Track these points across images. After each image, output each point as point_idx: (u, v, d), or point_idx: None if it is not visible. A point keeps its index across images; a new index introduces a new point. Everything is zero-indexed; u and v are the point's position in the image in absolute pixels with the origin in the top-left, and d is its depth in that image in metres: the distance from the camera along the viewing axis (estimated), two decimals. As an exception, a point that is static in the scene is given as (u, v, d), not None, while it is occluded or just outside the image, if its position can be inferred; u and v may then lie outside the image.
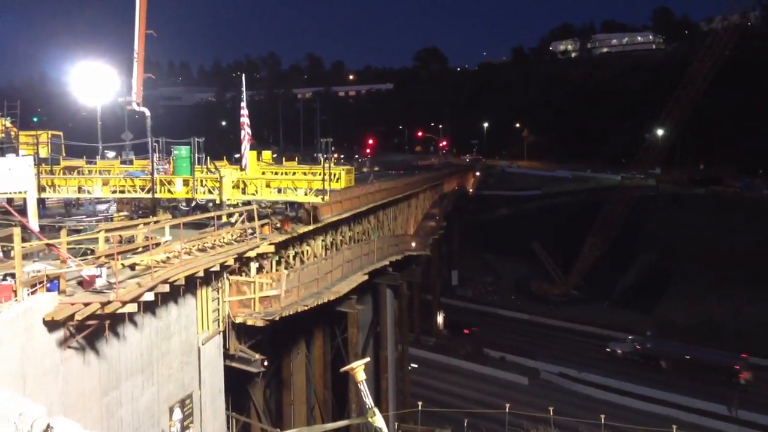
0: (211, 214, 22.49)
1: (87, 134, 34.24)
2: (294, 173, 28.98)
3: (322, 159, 28.32)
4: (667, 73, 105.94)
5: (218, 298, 20.41)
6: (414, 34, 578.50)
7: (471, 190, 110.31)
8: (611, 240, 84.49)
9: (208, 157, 26.44)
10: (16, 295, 12.66)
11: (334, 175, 25.69)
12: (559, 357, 67.35)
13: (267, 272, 23.52)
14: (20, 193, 18.72)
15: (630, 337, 69.12)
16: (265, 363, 22.50)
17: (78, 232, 19.89)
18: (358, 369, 11.61)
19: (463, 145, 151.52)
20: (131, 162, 29.91)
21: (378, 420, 11.36)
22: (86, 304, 12.96)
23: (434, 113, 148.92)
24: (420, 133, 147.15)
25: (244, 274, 22.03)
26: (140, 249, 17.79)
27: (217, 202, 24.21)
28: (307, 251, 28.40)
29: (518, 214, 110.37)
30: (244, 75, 33.81)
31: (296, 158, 42.24)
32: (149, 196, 24.27)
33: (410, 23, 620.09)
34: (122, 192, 24.95)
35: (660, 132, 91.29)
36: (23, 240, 13.95)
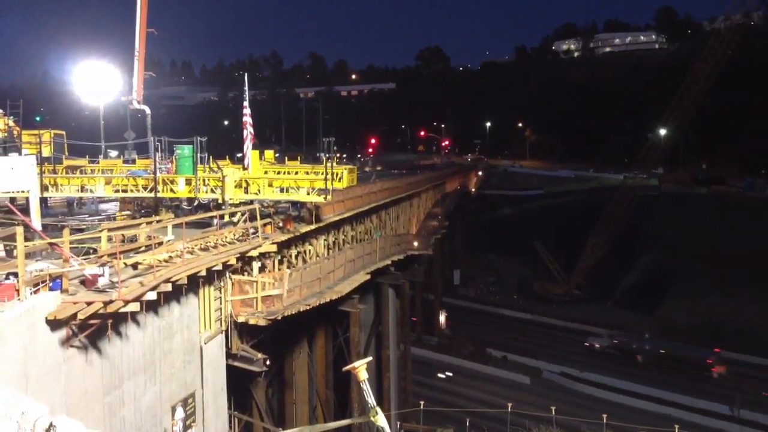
0: (214, 213, 22.50)
1: (90, 133, 34.37)
2: (296, 173, 29.01)
3: (324, 158, 28.33)
4: (670, 72, 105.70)
5: (221, 298, 20.42)
6: (416, 33, 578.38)
7: (473, 190, 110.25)
8: (613, 240, 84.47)
9: (211, 157, 26.47)
10: (18, 294, 12.68)
11: (337, 174, 25.69)
12: (561, 357, 67.34)
13: (269, 271, 23.52)
14: (23, 192, 18.76)
15: (608, 332, 71.51)
16: (268, 362, 22.51)
17: (80, 231, 19.93)
18: (360, 368, 11.58)
19: (466, 145, 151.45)
20: (134, 161, 29.96)
21: (380, 419, 11.34)
22: (89, 303, 12.97)
23: (437, 112, 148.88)
24: (422, 133, 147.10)
25: (246, 273, 22.03)
26: (143, 248, 17.81)
27: (220, 201, 24.23)
28: (310, 250, 28.39)
29: (520, 213, 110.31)
30: (246, 74, 33.81)
31: (299, 158, 42.27)
32: (152, 195, 24.29)
33: (413, 22, 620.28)
34: (125, 191, 24.97)
35: (663, 132, 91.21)
36: (26, 239, 13.96)
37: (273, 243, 22.08)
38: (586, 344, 70.54)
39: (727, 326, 70.10)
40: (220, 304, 20.43)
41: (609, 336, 70.22)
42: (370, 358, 13.27)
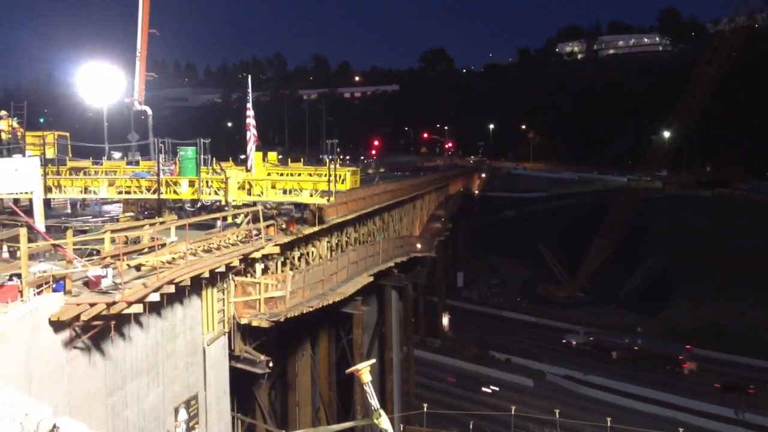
0: (217, 215, 22.50)
1: (93, 135, 34.38)
2: (299, 174, 29.00)
3: (327, 160, 28.31)
4: (674, 74, 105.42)
5: (223, 299, 20.39)
6: (420, 35, 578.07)
7: (476, 192, 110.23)
8: (617, 242, 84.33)
9: (214, 158, 26.48)
10: (22, 296, 12.69)
11: (340, 176, 25.69)
12: (565, 359, 67.21)
13: (272, 273, 23.50)
14: (26, 193, 18.76)
15: (584, 329, 73.77)
16: (270, 364, 22.50)
17: (84, 232, 19.93)
18: (364, 370, 11.52)
19: (469, 147, 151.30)
20: (137, 163, 29.99)
21: (383, 422, 11.29)
22: (92, 305, 12.97)
23: (440, 114, 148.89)
24: (425, 135, 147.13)
25: (249, 275, 22.00)
26: (146, 250, 17.81)
27: (223, 203, 24.22)
28: (313, 252, 28.37)
29: (524, 215, 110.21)
30: (249, 76, 33.94)
31: (302, 159, 42.31)
32: (155, 196, 24.30)
33: (416, 24, 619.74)
34: (128, 193, 24.97)
35: (666, 134, 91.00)
36: (29, 240, 13.97)
37: (276, 245, 22.06)
38: (564, 341, 73.03)
39: (730, 329, 70.07)
40: (223, 305, 20.40)
41: (585, 333, 72.71)
42: (373, 361, 13.20)
